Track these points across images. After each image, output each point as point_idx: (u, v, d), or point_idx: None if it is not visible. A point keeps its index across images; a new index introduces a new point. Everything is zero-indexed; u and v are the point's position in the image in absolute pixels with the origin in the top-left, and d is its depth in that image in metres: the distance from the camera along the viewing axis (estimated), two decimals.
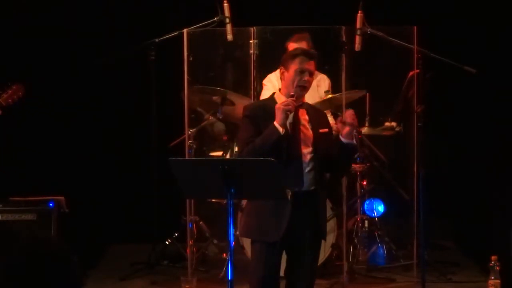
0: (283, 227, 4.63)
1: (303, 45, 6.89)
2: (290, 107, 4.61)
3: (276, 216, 4.63)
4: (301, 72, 4.72)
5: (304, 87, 4.74)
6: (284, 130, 4.60)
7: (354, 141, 4.71)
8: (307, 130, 4.76)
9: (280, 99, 4.76)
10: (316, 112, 4.93)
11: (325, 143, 4.77)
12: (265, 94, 6.74)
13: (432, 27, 7.37)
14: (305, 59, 4.73)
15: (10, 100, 6.02)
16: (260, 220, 4.74)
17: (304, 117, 4.78)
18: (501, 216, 7.11)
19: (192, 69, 6.63)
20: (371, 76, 7.24)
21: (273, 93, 4.92)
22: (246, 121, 4.77)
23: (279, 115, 4.60)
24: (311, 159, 4.72)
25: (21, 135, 7.71)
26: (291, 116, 4.69)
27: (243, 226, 4.91)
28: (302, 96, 4.79)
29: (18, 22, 7.82)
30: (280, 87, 6.95)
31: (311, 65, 4.75)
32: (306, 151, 4.72)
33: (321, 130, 4.78)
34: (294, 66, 4.73)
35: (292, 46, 6.91)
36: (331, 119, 7.08)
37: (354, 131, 4.70)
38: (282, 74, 4.83)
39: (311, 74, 4.76)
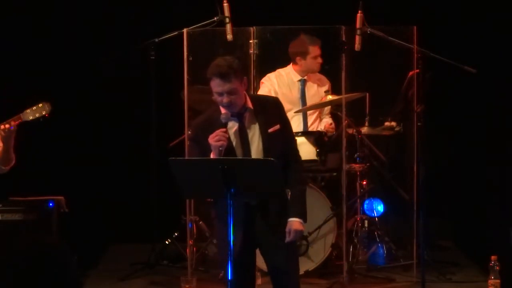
0: (239, 243, 4.51)
1: (315, 50, 6.91)
2: (220, 142, 4.46)
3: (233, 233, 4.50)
4: (219, 95, 4.55)
5: (228, 106, 4.55)
6: None
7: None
8: (254, 136, 4.62)
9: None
10: (265, 108, 4.68)
11: (277, 143, 4.62)
12: (261, 93, 6.75)
13: (432, 27, 7.38)
14: (220, 82, 4.51)
15: (31, 117, 5.59)
16: (220, 238, 4.76)
17: (251, 121, 4.63)
18: (501, 216, 7.12)
19: (192, 69, 6.63)
20: (371, 76, 7.24)
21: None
22: (191, 145, 4.80)
23: (213, 150, 4.49)
24: None
25: (21, 135, 7.69)
26: (233, 131, 4.59)
27: None
28: (236, 108, 4.57)
29: (17, 22, 7.82)
30: (278, 87, 7.00)
31: (228, 85, 4.50)
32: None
33: (270, 130, 4.61)
34: (212, 88, 4.57)
35: (316, 50, 6.89)
36: (329, 120, 7.10)
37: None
38: None
39: (232, 92, 4.51)
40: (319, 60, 6.97)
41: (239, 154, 4.61)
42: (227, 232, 4.32)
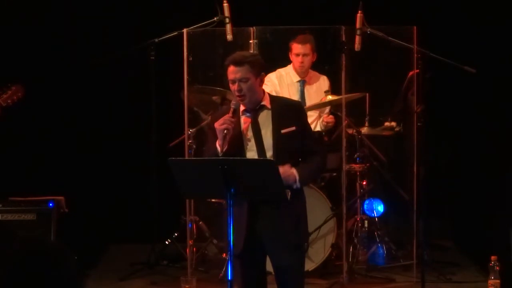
0: (241, 240, 4.53)
1: (306, 48, 6.91)
2: (225, 126, 4.49)
3: (236, 230, 4.48)
4: (232, 82, 4.61)
5: (240, 96, 4.60)
6: (222, 150, 4.48)
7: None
8: (266, 133, 4.61)
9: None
10: (284, 110, 4.68)
11: (288, 144, 4.60)
12: None
13: (432, 27, 7.38)
14: (234, 68, 4.58)
15: (9, 101, 6.00)
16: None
17: (265, 119, 4.63)
18: (501, 216, 7.11)
19: (192, 69, 6.63)
20: (371, 76, 7.24)
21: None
22: (207, 134, 4.85)
23: (218, 135, 4.52)
24: None
25: (21, 135, 7.71)
26: (245, 125, 4.60)
27: None
28: (247, 99, 4.60)
29: (17, 22, 7.82)
30: (279, 87, 7.00)
31: (240, 72, 4.55)
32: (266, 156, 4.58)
33: (283, 131, 4.60)
34: (228, 76, 4.64)
35: (296, 47, 6.92)
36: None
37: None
38: None
39: (244, 80, 4.56)
40: (299, 59, 6.93)
41: (251, 148, 4.60)
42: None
